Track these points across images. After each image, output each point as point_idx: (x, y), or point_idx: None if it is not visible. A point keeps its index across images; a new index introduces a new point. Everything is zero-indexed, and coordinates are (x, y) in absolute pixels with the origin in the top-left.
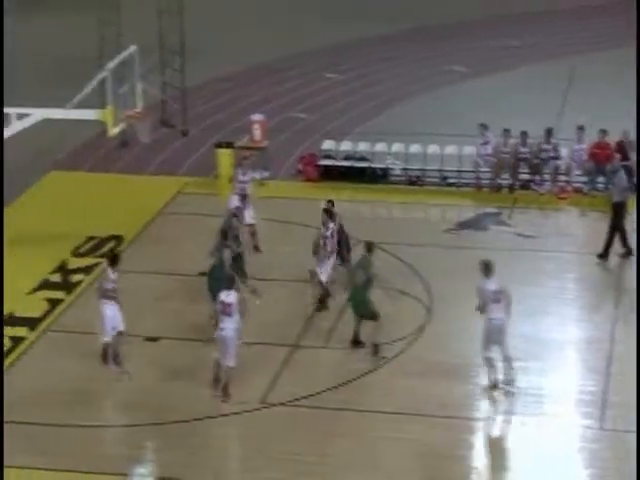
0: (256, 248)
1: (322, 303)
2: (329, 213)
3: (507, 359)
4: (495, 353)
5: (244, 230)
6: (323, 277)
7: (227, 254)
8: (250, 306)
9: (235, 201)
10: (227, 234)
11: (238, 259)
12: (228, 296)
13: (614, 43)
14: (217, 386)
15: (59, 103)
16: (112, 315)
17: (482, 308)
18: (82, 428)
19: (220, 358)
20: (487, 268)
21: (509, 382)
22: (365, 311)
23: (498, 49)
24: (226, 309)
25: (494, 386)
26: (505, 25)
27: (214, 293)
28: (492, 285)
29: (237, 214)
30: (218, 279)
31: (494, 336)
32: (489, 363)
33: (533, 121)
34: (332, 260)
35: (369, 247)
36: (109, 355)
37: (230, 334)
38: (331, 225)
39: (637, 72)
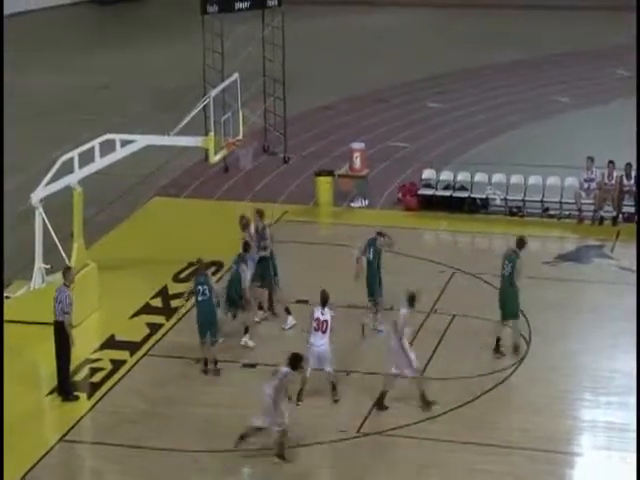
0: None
1: None
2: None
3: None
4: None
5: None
6: None
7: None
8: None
9: None
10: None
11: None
12: (323, 313)
13: None
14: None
15: (163, 130)
16: None
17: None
18: (177, 452)
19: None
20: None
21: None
22: (512, 309)
23: (607, 79)
24: (321, 326)
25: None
26: (612, 55)
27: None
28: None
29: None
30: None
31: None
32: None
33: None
34: None
35: (520, 242)
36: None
37: (323, 349)
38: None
39: (637, 71)
